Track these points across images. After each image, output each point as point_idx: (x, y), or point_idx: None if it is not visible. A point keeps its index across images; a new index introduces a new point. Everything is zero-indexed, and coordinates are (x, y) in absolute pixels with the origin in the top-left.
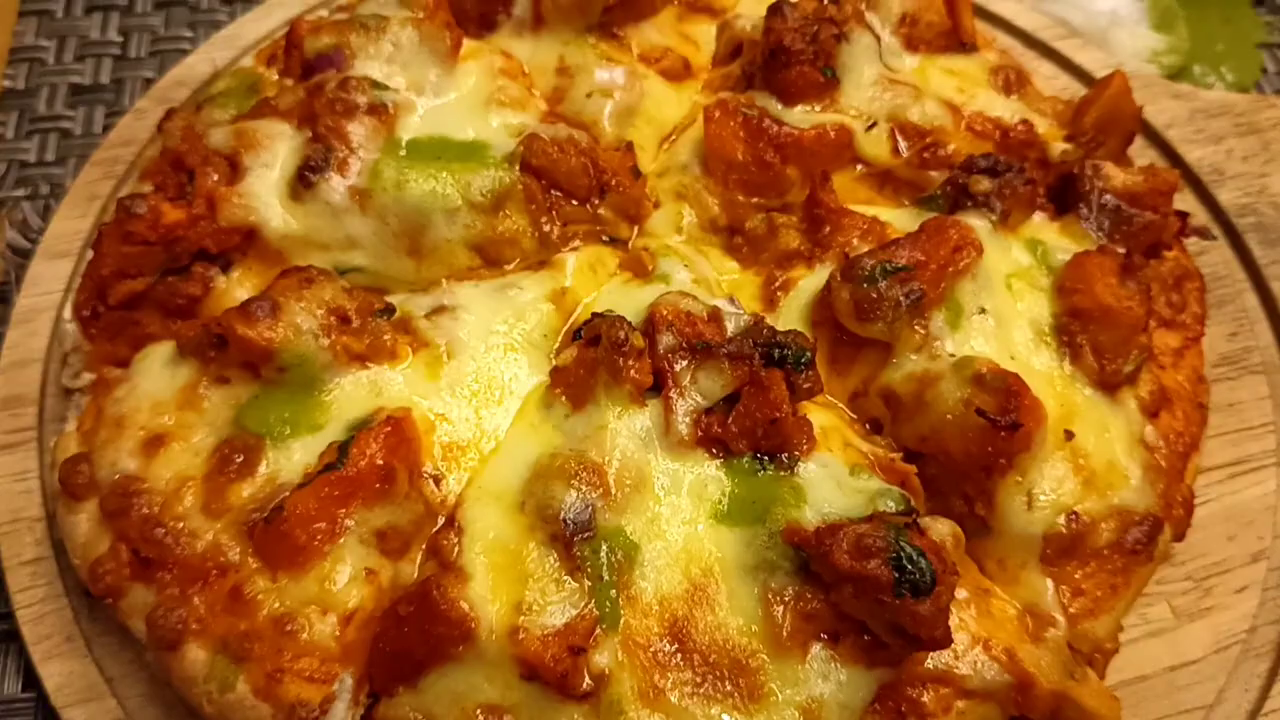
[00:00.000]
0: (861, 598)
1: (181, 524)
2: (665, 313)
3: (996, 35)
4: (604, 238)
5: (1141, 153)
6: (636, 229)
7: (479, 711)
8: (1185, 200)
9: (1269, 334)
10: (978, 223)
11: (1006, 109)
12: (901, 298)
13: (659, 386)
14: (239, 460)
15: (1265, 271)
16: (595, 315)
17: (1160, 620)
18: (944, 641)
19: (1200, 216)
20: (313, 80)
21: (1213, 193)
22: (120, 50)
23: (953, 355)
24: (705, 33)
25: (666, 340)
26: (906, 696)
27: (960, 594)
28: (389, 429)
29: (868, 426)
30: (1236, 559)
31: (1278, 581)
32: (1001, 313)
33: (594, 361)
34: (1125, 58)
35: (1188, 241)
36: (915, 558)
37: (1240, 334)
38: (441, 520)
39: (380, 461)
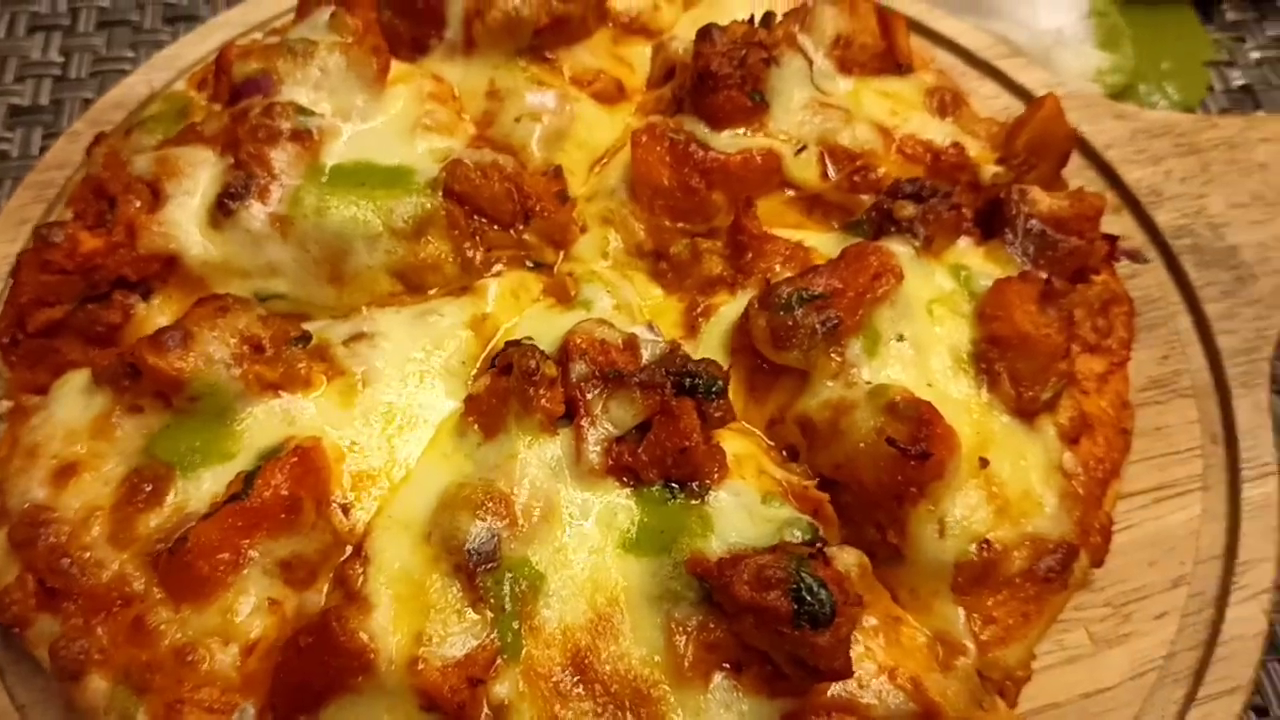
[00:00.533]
0: (762, 628)
1: (88, 554)
2: (579, 341)
3: (936, 55)
4: (528, 263)
5: (1080, 173)
6: (562, 254)
7: None
8: (1123, 221)
9: (1201, 357)
10: (901, 248)
11: (939, 132)
12: (817, 325)
13: (572, 415)
14: (148, 490)
15: (1200, 293)
16: (509, 343)
17: (1077, 647)
18: (844, 673)
19: (1137, 238)
20: (239, 106)
21: (1150, 214)
22: (61, 71)
23: (869, 383)
24: (641, 55)
25: (579, 369)
26: None
27: (870, 622)
28: (295, 460)
29: (785, 454)
30: (1157, 585)
31: (1198, 607)
32: (920, 340)
33: (506, 390)
34: (1069, 77)
35: (1121, 264)
36: (815, 589)
37: (1171, 357)
38: (349, 549)
39: (285, 492)
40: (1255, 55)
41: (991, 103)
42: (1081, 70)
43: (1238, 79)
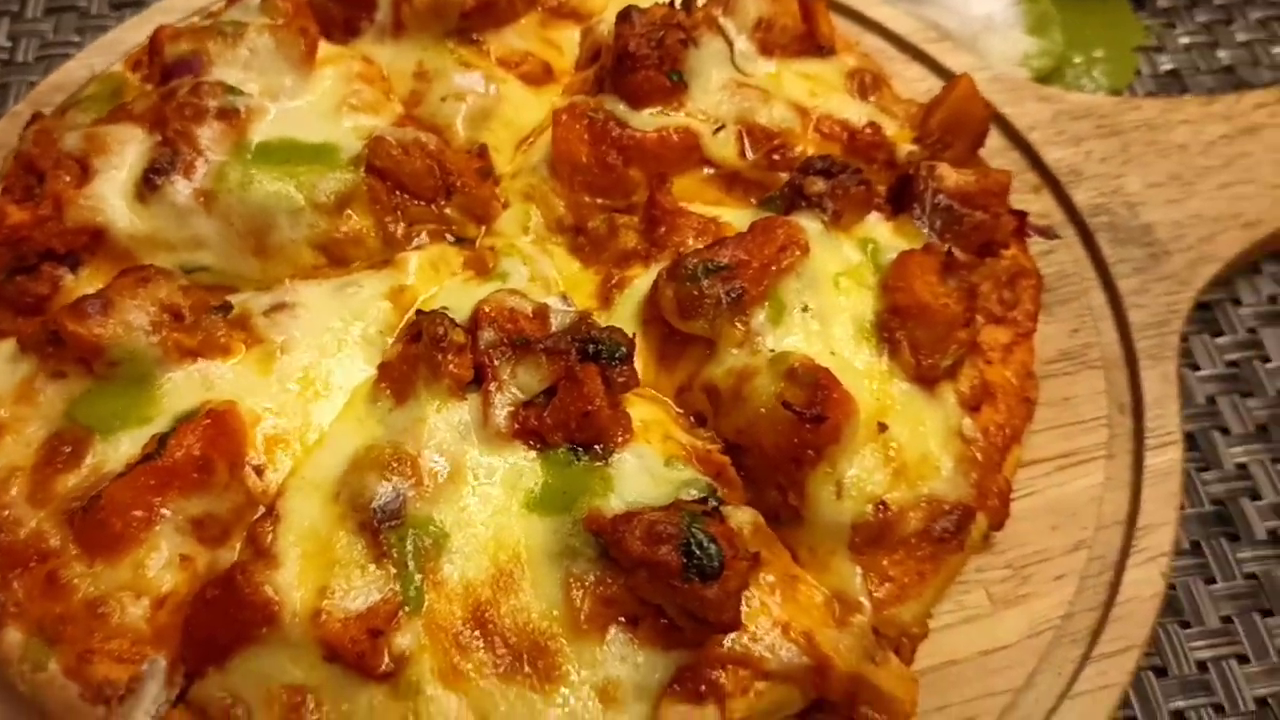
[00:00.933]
0: (654, 582)
1: (7, 512)
2: (488, 310)
3: (863, 39)
4: (449, 237)
5: (1003, 154)
6: (484, 229)
7: (283, 691)
8: (1042, 200)
9: (1113, 331)
10: (809, 223)
11: (857, 112)
12: (722, 295)
13: (481, 381)
14: (67, 452)
15: (1113, 270)
16: (419, 312)
17: (976, 607)
18: (732, 625)
19: (1055, 216)
20: (168, 86)
21: (1069, 193)
22: (8, 56)
23: (773, 351)
24: (570, 38)
25: (487, 336)
26: (706, 677)
27: (767, 579)
28: (208, 422)
29: (693, 420)
30: (1057, 548)
31: (1098, 570)
32: (825, 310)
33: (415, 357)
34: (996, 61)
35: (1034, 240)
36: (705, 544)
37: (1082, 330)
38: (262, 509)
39: (197, 453)
40: (1184, 41)
41: (918, 85)
42: (1009, 55)
43: (1166, 64)
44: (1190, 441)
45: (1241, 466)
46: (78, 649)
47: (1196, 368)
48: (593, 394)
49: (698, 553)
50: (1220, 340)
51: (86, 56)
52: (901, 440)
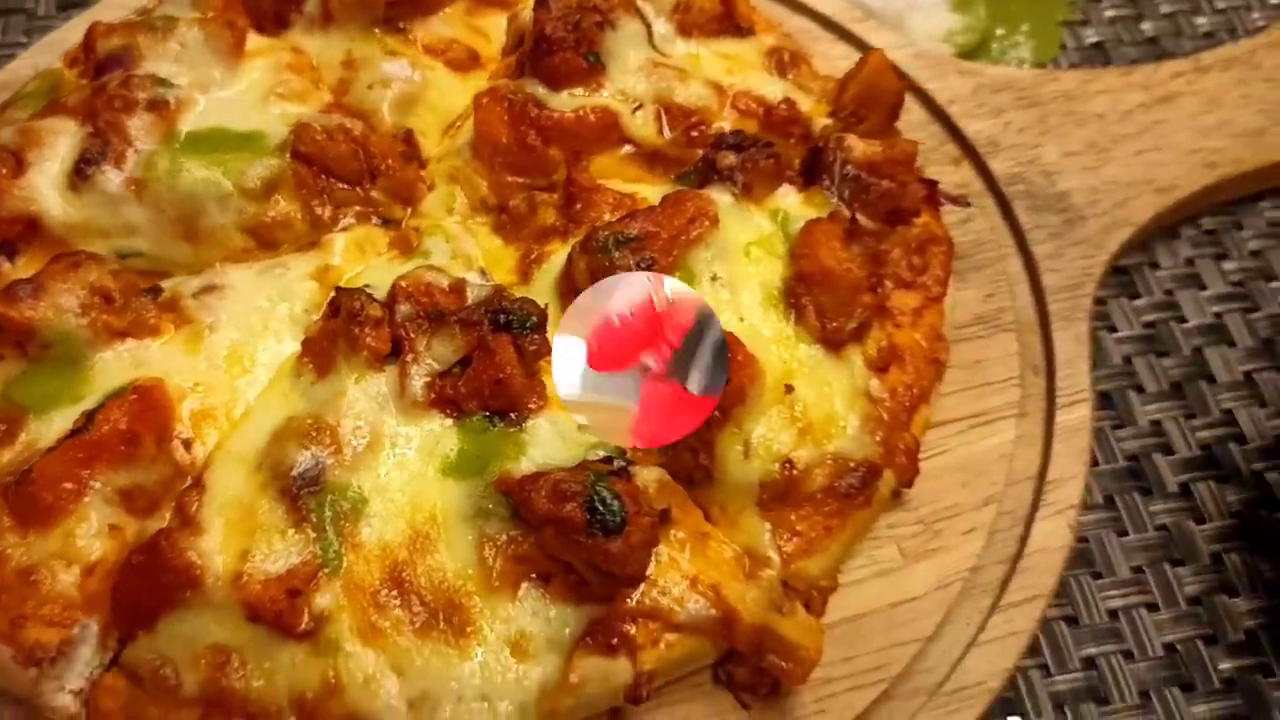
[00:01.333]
0: (561, 539)
1: None
2: (405, 284)
3: (789, 19)
4: (376, 219)
5: (924, 127)
6: (410, 210)
7: (208, 651)
8: (962, 171)
9: (1027, 295)
10: (721, 196)
11: (774, 88)
12: (633, 265)
13: (399, 353)
14: (2, 430)
15: (1029, 236)
16: (338, 289)
17: (888, 561)
18: (637, 578)
19: (975, 186)
20: (100, 80)
21: (987, 163)
22: None
23: None
24: (497, 25)
25: (404, 309)
26: (617, 630)
27: (678, 535)
28: (135, 397)
29: None
30: (967, 504)
31: (1008, 525)
32: (735, 279)
33: (335, 331)
34: (919, 38)
35: (950, 209)
36: (609, 500)
37: (997, 295)
38: (190, 480)
39: (123, 427)
40: (1109, 13)
41: (842, 64)
42: (934, 32)
43: (1090, 37)
44: (1106, 400)
45: (1155, 423)
46: (11, 615)
47: (1114, 329)
48: (505, 362)
49: (601, 509)
50: (1137, 303)
51: (31, 55)
52: (808, 401)
